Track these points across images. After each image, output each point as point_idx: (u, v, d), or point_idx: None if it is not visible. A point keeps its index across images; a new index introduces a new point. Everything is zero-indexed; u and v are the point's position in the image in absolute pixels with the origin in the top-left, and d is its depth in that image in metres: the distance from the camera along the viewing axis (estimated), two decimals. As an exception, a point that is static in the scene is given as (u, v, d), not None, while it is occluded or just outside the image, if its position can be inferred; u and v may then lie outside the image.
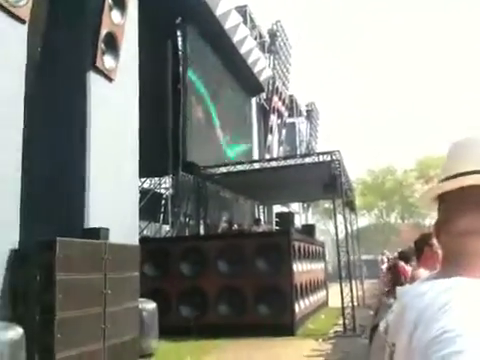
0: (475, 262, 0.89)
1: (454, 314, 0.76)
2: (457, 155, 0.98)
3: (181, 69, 14.36)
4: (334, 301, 13.70)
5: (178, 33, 14.74)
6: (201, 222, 14.07)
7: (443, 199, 0.96)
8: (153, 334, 8.48)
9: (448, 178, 0.95)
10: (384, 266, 20.53)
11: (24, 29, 6.70)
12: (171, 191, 14.31)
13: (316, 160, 13.01)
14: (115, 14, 8.86)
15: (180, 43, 14.59)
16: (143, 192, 12.96)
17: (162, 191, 14.71)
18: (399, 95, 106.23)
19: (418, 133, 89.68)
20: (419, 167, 44.53)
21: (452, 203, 0.93)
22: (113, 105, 8.67)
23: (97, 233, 7.18)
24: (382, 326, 1.02)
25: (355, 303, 11.82)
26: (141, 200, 11.68)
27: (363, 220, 43.01)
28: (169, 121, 13.62)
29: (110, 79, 8.68)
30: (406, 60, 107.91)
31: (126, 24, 9.17)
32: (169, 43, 14.26)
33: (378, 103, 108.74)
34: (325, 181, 12.22)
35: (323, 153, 13.10)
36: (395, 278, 5.16)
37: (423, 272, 3.71)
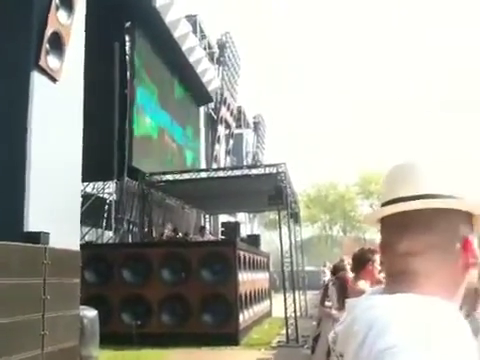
0: (416, 280, 0.93)
1: (400, 329, 0.79)
2: (397, 179, 1.02)
3: (128, 74, 14.15)
4: (278, 311, 13.78)
5: (127, 38, 14.55)
6: (145, 229, 13.83)
7: (385, 222, 1.01)
8: (94, 342, 8.19)
9: (389, 202, 1.00)
10: (326, 278, 20.92)
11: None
12: (115, 197, 13.99)
13: (262, 172, 13.16)
14: (62, 14, 8.56)
15: (128, 48, 14.40)
16: (86, 196, 12.60)
17: (106, 196, 14.37)
18: (344, 109, 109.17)
19: (361, 148, 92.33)
20: (361, 182, 45.86)
21: (393, 226, 0.98)
22: (56, 106, 8.38)
23: (37, 237, 6.89)
24: (331, 336, 1.03)
25: (298, 313, 11.92)
26: (83, 204, 11.36)
27: (307, 232, 43.66)
28: (115, 125, 13.36)
29: (54, 79, 8.39)
30: (353, 73, 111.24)
31: (73, 25, 8.92)
32: (117, 47, 14.03)
33: (323, 117, 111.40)
34: (271, 192, 12.34)
35: (270, 165, 13.27)
36: (342, 290, 5.23)
37: (364, 284, 3.85)
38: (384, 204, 1.01)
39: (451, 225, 0.95)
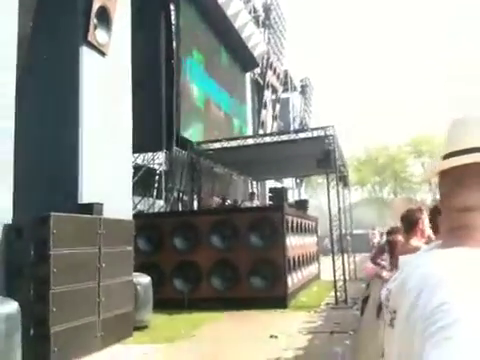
0: (473, 235, 0.93)
1: (451, 285, 0.80)
2: (458, 132, 1.01)
3: (174, 44, 14.23)
4: (326, 274, 13.90)
5: (171, 7, 14.57)
6: (195, 197, 14.14)
7: (445, 174, 1.00)
8: (147, 307, 8.61)
9: (448, 155, 0.99)
10: (376, 240, 20.82)
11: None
12: (165, 167, 14.32)
13: (310, 135, 13.03)
14: (108, -12, 8.74)
15: (173, 17, 14.43)
16: (136, 167, 12.98)
17: (156, 167, 14.72)
18: (395, 74, 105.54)
19: (413, 111, 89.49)
20: (412, 142, 44.69)
21: (453, 179, 0.98)
22: (105, 80, 8.64)
23: (91, 208, 7.24)
24: (384, 293, 1.05)
25: (347, 276, 12.01)
26: (134, 175, 11.73)
27: (357, 195, 43.28)
28: (162, 96, 13.56)
29: (103, 54, 8.63)
30: (403, 39, 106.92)
31: (118, -1, 9.06)
32: (162, 17, 14.10)
33: (374, 80, 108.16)
34: (319, 156, 12.24)
35: (317, 128, 13.12)
36: (392, 252, 5.26)
37: (416, 242, 3.87)
38: (444, 157, 1.01)
39: None
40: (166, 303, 9.83)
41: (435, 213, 3.59)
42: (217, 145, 13.86)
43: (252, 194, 15.44)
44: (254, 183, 21.52)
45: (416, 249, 3.51)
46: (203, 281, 10.93)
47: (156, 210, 13.98)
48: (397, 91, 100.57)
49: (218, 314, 9.84)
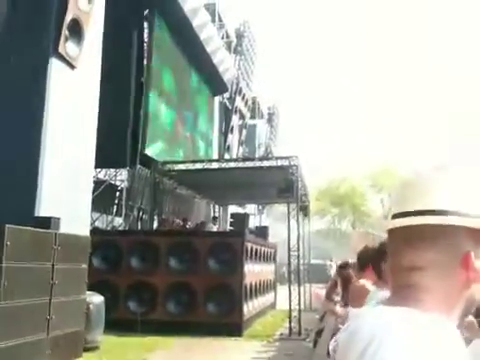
0: (419, 295, 0.96)
1: (399, 346, 0.82)
2: (406, 192, 1.05)
3: (145, 62, 14.20)
4: (282, 303, 13.87)
5: (145, 25, 14.58)
6: (155, 217, 13.96)
7: (393, 233, 1.03)
8: (99, 327, 8.37)
9: (397, 215, 1.02)
10: (332, 272, 20.96)
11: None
12: (127, 184, 14.12)
13: (274, 164, 13.15)
14: (82, 0, 8.68)
15: (146, 35, 14.43)
16: (97, 182, 12.74)
17: (117, 183, 14.51)
18: (360, 103, 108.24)
19: (375, 142, 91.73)
20: (372, 175, 45.58)
21: (400, 239, 1.01)
22: (73, 93, 8.51)
23: (48, 222, 7.03)
24: (332, 344, 1.05)
25: (302, 306, 12.01)
26: (95, 191, 11.50)
27: (316, 225, 43.66)
28: (130, 113, 13.44)
29: (72, 66, 8.51)
30: (371, 70, 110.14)
31: (92, 11, 9.01)
32: (135, 34, 14.06)
33: (339, 110, 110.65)
34: (281, 185, 12.36)
35: (281, 158, 13.27)
36: (345, 287, 5.27)
37: (366, 282, 3.83)
38: (393, 216, 1.03)
39: (454, 241, 0.97)
40: (119, 324, 9.54)
41: (379, 258, 3.59)
42: (182, 166, 13.80)
43: (215, 218, 15.40)
44: (216, 207, 21.45)
45: (364, 289, 3.52)
46: (158, 304, 10.72)
47: (115, 228, 13.72)
48: (365, 121, 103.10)
49: (171, 339, 9.63)
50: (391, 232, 1.04)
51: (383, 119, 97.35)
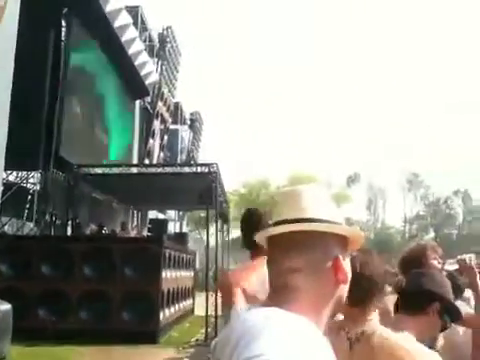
0: (294, 295, 1.06)
1: (265, 341, 0.89)
2: (284, 203, 1.17)
3: (62, 61, 13.71)
4: (200, 310, 13.84)
5: (63, 23, 14.09)
6: (69, 223, 13.46)
7: (272, 240, 1.14)
8: (6, 337, 7.92)
9: (277, 223, 1.13)
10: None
11: None
12: (39, 187, 13.53)
13: (194, 170, 13.18)
14: (-6, -6, 8.29)
15: (64, 35, 13.95)
16: (7, 185, 12.10)
17: (29, 186, 13.87)
18: (281, 110, 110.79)
19: (294, 149, 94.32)
20: (289, 183, 46.67)
21: (278, 245, 1.11)
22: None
23: None
24: (212, 345, 1.12)
25: (219, 312, 12.03)
26: (4, 194, 10.92)
27: (237, 232, 44.02)
28: (44, 114, 12.92)
29: (-19, 62, 8.07)
30: (293, 74, 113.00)
31: (7, 6, 8.64)
32: (52, 33, 13.57)
33: (259, 117, 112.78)
34: (201, 192, 12.39)
35: (201, 164, 13.34)
36: None
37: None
38: (273, 224, 1.14)
39: (326, 246, 1.09)
40: (29, 333, 9.08)
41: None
42: (98, 170, 13.44)
43: (123, 224, 15.16)
44: (135, 212, 21.07)
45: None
46: (71, 311, 10.34)
47: (25, 233, 13.08)
48: (283, 127, 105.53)
49: (84, 348, 9.29)
50: (270, 239, 1.14)
51: (306, 126, 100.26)
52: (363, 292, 1.87)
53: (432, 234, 63.28)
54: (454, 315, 2.26)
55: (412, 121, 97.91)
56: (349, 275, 1.12)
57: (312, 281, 1.07)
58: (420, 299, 2.18)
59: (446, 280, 2.29)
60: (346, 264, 1.12)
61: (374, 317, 1.91)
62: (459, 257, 2.93)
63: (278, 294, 1.07)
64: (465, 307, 2.78)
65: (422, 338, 2.08)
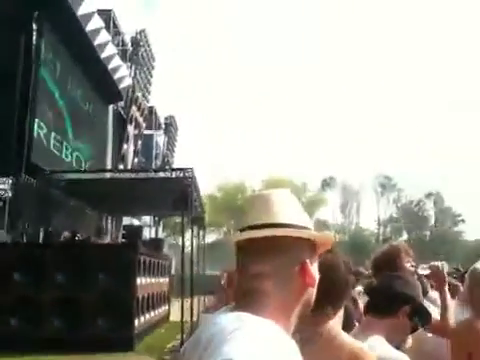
0: (262, 299, 1.07)
1: (234, 344, 0.91)
2: (255, 209, 1.17)
3: (33, 66, 13.50)
4: (176, 315, 13.73)
5: (34, 27, 13.88)
6: (41, 229, 13.22)
7: (241, 245, 1.15)
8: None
9: (245, 229, 1.15)
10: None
11: None
12: (10, 194, 13.26)
13: (169, 175, 13.06)
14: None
15: (35, 38, 13.74)
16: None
17: (0, 193, 13.58)
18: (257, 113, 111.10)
19: (269, 153, 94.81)
20: (265, 188, 46.86)
21: (247, 250, 1.13)
22: None
23: None
24: (182, 349, 1.13)
25: (195, 318, 11.95)
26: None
27: (213, 236, 44.00)
28: (15, 119, 12.69)
29: None
30: (267, 78, 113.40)
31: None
32: (23, 37, 13.36)
33: (235, 121, 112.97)
34: (176, 197, 12.29)
35: (176, 169, 13.20)
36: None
37: None
38: (242, 230, 1.15)
39: (293, 250, 1.11)
40: (0, 343, 8.89)
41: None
42: (71, 176, 13.22)
43: (99, 230, 14.96)
44: (109, 218, 20.81)
45: None
46: (44, 320, 10.14)
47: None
48: (258, 131, 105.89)
49: (58, 357, 9.12)
50: (239, 244, 1.15)
51: (282, 129, 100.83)
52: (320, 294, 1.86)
53: (405, 236, 64.31)
54: (424, 318, 2.28)
55: (387, 123, 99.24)
56: (317, 279, 1.14)
57: (280, 286, 1.08)
58: (391, 301, 2.20)
59: (417, 283, 2.32)
60: (314, 268, 1.14)
61: (334, 321, 1.88)
62: (432, 263, 2.97)
63: (247, 299, 1.08)
64: (432, 307, 2.81)
65: (392, 340, 2.10)
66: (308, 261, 1.11)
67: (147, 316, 12.16)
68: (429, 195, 67.17)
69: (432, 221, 67.27)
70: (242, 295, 1.11)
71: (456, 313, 3.18)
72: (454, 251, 54.38)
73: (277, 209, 1.14)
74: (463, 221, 63.78)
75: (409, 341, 2.56)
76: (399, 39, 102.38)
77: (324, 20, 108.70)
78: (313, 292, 1.15)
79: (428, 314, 2.29)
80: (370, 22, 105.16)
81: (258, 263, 1.10)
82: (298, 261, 1.10)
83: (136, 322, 10.64)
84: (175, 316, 14.27)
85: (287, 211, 1.14)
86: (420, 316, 2.26)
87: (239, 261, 1.15)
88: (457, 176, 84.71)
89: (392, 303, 2.20)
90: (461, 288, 5.56)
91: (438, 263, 2.95)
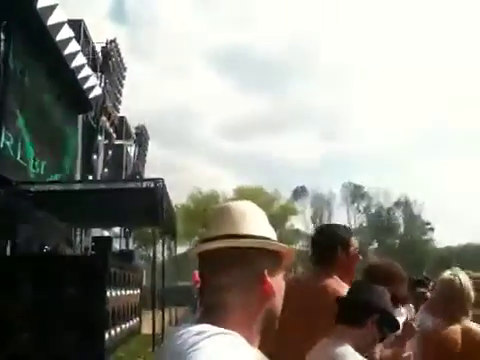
0: (224, 311, 1.08)
1: (197, 357, 0.93)
2: (215, 220, 1.18)
3: (1, 75, 13.25)
4: (148, 328, 13.57)
5: (2, 36, 13.64)
6: (8, 242, 12.93)
7: (203, 257, 1.16)
8: None
9: (207, 240, 1.15)
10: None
11: None
12: (-25, 206, 12.93)
13: (139, 186, 12.96)
14: None
15: (2, 48, 13.50)
16: None
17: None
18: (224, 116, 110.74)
19: (241, 160, 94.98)
20: (237, 197, 46.93)
21: (209, 261, 1.14)
22: None
23: None
24: None
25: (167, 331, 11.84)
26: None
27: (184, 247, 43.65)
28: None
29: None
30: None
31: None
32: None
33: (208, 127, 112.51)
34: (147, 208, 12.20)
35: (147, 180, 13.14)
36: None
37: None
38: (204, 241, 1.16)
39: (253, 261, 1.12)
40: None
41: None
42: (39, 187, 12.99)
43: (68, 241, 14.71)
44: (78, 230, 20.48)
45: None
46: (10, 335, 9.87)
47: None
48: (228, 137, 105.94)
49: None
50: (202, 255, 1.16)
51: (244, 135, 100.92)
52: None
53: (375, 245, 65.14)
54: (392, 326, 2.30)
55: (356, 131, 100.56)
56: (279, 289, 1.14)
57: (241, 297, 1.09)
58: (360, 311, 2.21)
59: (385, 291, 2.33)
60: (276, 279, 1.14)
61: None
62: (408, 322, 2.76)
63: (209, 311, 1.10)
64: (402, 319, 2.81)
65: (361, 349, 2.12)
66: (266, 271, 1.11)
67: (118, 329, 11.97)
68: (398, 203, 68.33)
69: (401, 229, 68.37)
70: (205, 308, 1.12)
71: (424, 320, 3.22)
72: (423, 259, 55.29)
73: (237, 220, 1.14)
74: (432, 229, 65.01)
75: (377, 351, 2.57)
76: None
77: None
78: (276, 303, 1.14)
79: (396, 322, 2.32)
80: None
81: (217, 275, 1.11)
82: (257, 272, 1.11)
83: (106, 336, 10.47)
84: (147, 329, 14.11)
85: (246, 222, 1.14)
86: (389, 325, 2.28)
87: (201, 273, 1.16)
88: (426, 184, 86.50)
89: (361, 312, 2.22)
90: (428, 294, 5.65)
91: (414, 324, 2.74)
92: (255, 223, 1.15)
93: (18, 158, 14.60)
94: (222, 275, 1.10)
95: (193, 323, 1.08)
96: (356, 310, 2.20)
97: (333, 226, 3.27)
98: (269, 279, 1.11)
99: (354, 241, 3.04)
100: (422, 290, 5.91)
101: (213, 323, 1.03)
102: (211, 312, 1.09)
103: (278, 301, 1.15)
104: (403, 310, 3.37)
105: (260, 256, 1.12)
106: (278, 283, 1.14)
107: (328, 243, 2.95)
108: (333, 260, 2.90)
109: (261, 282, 1.10)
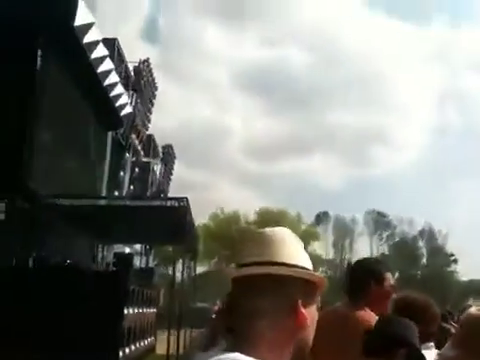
0: (253, 339, 1.07)
1: None
2: (252, 244, 1.17)
3: (36, 90, 13.60)
4: (162, 348, 13.51)
5: (39, 53, 14.04)
6: (31, 253, 13.10)
7: (237, 282, 1.14)
8: None
9: (244, 265, 1.14)
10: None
11: None
12: (4, 217, 13.16)
13: (164, 204, 13.07)
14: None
15: (39, 64, 13.88)
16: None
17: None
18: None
19: (265, 184, 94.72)
20: (259, 219, 46.77)
21: (243, 287, 1.12)
22: None
23: None
24: None
25: (181, 351, 11.79)
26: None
27: (203, 267, 43.65)
28: (12, 141, 12.70)
29: None
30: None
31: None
32: (27, 62, 13.50)
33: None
34: (170, 227, 12.26)
35: (171, 199, 13.23)
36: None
37: None
38: (239, 265, 1.15)
39: (289, 290, 1.11)
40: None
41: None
42: (66, 201, 13.19)
43: (90, 255, 14.84)
44: (100, 245, 20.65)
45: None
46: (27, 349, 9.90)
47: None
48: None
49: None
50: (235, 280, 1.15)
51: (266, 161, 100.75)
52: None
53: (397, 275, 63.93)
54: None
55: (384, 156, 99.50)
56: (312, 320, 1.14)
57: (272, 325, 1.08)
58: (388, 344, 2.19)
59: (413, 326, 2.30)
60: (309, 309, 1.13)
61: None
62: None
63: (239, 337, 1.08)
64: (430, 354, 2.76)
65: None
66: (300, 301, 1.10)
67: (132, 347, 11.95)
68: (422, 233, 67.18)
69: (424, 260, 67.08)
70: (235, 334, 1.11)
71: (445, 351, 3.14)
72: (445, 291, 54.02)
73: (276, 247, 1.14)
74: (455, 262, 63.61)
75: None
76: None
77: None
78: (308, 333, 1.14)
79: (423, 357, 2.29)
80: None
81: (252, 301, 1.10)
82: (292, 301, 1.10)
83: (121, 354, 10.45)
84: (161, 349, 14.04)
85: (286, 250, 1.15)
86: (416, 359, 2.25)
87: (233, 299, 1.14)
88: (451, 215, 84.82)
89: (389, 346, 2.20)
90: (453, 330, 5.50)
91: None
92: (294, 251, 1.17)
93: (48, 172, 14.88)
94: (256, 301, 1.09)
95: (221, 350, 1.08)
96: (384, 343, 2.19)
97: (369, 259, 3.33)
98: (303, 310, 1.10)
99: (389, 276, 3.07)
100: (447, 326, 5.77)
101: (243, 351, 1.03)
102: (241, 339, 1.08)
103: (310, 332, 1.14)
104: (431, 344, 3.31)
105: (296, 285, 1.12)
106: (311, 313, 1.14)
107: (362, 276, 3.00)
108: (366, 293, 2.93)
109: (295, 312, 1.10)
